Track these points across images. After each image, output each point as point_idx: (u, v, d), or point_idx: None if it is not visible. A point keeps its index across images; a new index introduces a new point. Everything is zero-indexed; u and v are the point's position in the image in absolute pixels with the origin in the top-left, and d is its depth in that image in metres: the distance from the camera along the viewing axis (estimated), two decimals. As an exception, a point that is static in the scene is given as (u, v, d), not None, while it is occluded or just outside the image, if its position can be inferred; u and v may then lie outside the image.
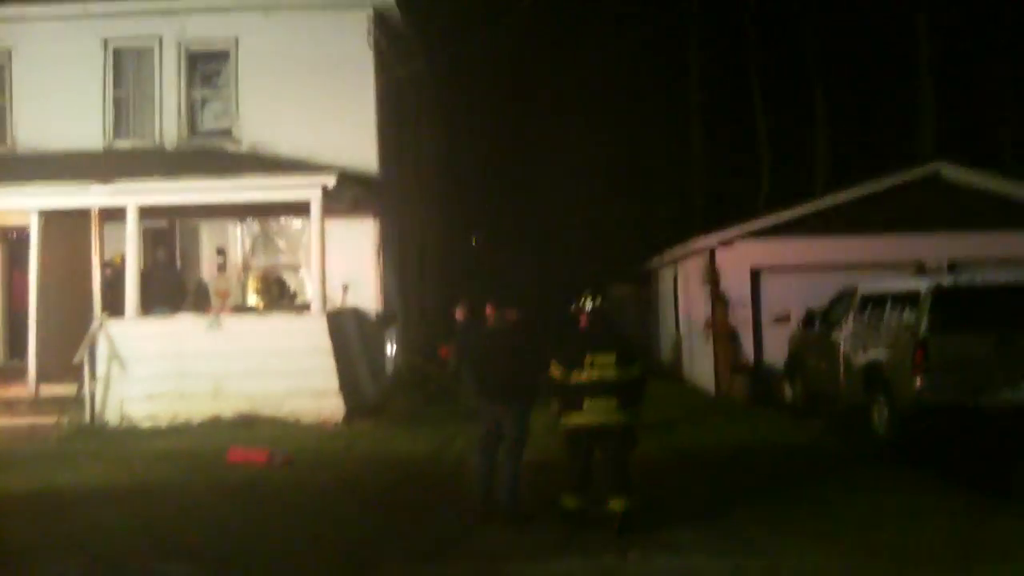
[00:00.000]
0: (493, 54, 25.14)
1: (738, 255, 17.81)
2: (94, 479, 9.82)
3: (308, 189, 13.98)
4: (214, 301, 16.01)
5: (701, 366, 19.08)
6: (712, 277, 17.91)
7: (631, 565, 7.34)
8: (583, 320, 8.77)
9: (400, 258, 18.85)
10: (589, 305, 8.72)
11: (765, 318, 17.70)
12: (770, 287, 17.87)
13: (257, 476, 10.04)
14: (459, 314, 15.01)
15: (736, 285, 17.78)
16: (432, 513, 8.87)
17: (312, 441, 12.25)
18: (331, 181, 13.87)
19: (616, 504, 8.26)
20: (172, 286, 14.97)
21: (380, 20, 16.60)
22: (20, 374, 14.15)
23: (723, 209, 25.43)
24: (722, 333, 17.75)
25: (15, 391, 13.89)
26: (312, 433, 12.81)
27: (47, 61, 16.36)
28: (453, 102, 25.31)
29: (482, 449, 8.69)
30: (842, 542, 7.64)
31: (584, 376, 8.33)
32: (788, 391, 15.98)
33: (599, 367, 8.33)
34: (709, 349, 18.19)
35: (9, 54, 16.46)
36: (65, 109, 16.27)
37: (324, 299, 14.10)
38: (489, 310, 9.61)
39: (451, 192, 28.42)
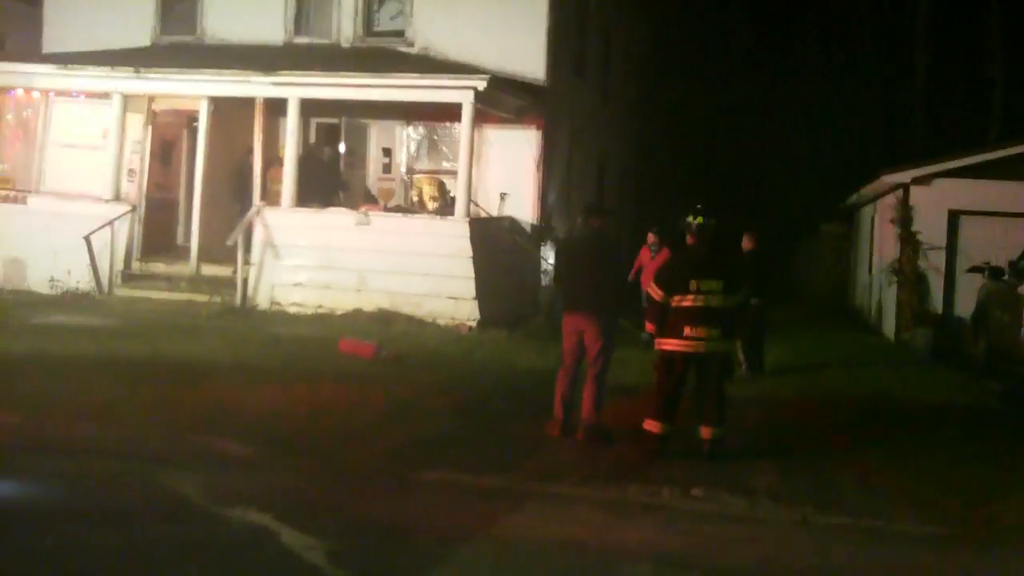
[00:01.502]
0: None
1: (935, 195, 16.16)
2: (203, 353, 10.20)
3: (459, 91, 13.74)
4: (378, 199, 16.22)
5: (886, 312, 17.62)
6: (903, 217, 16.34)
7: (689, 502, 6.76)
8: (690, 240, 8.04)
9: (572, 172, 18.36)
10: (695, 221, 7.96)
11: (959, 266, 16.03)
12: (970, 233, 16.17)
13: (359, 367, 10.10)
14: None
15: (930, 228, 16.17)
16: (516, 424, 8.60)
17: (436, 342, 12.23)
18: (481, 84, 13.56)
19: (707, 432, 7.79)
20: (331, 181, 15.22)
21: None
22: (189, 254, 14.89)
23: (947, 147, 23.24)
24: (908, 278, 16.22)
25: (179, 268, 14.68)
26: (442, 335, 12.79)
27: (239, -47, 16.83)
28: (653, 13, 24.12)
29: (565, 363, 8.28)
30: (943, 512, 6.71)
31: (688, 301, 7.71)
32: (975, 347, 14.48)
33: (705, 293, 7.70)
34: (893, 295, 16.73)
35: (204, -56, 17.04)
36: (251, 3, 16.71)
37: (468, 204, 13.93)
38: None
39: (650, 111, 27.38)
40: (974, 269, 14.99)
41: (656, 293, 7.82)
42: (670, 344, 7.79)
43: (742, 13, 29.74)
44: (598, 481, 7.08)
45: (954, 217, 16.15)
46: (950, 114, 26.21)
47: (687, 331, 7.67)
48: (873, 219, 20.54)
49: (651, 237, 13.96)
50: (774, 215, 32.20)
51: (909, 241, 16.20)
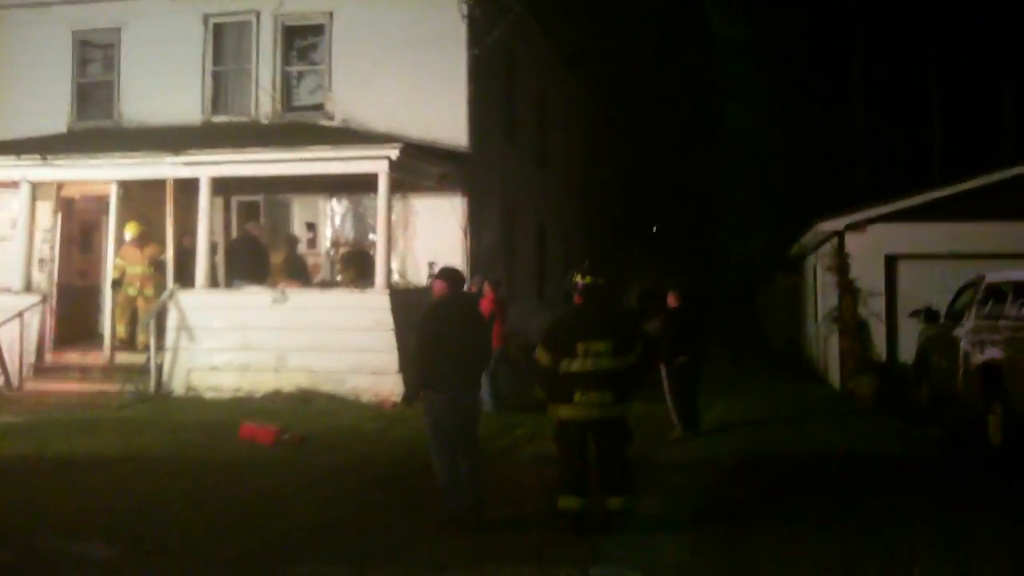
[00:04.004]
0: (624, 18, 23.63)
1: (870, 240, 15.98)
2: (93, 448, 9.64)
3: (373, 161, 13.43)
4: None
5: (831, 362, 17.29)
6: (839, 264, 16.14)
7: (584, 582, 6.25)
8: (576, 299, 7.62)
9: (508, 237, 18.08)
10: (582, 280, 7.55)
11: (901, 311, 15.76)
12: (908, 277, 16.00)
13: (257, 453, 9.55)
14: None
15: (868, 274, 15.98)
16: (412, 511, 7.96)
17: (354, 420, 11.72)
18: (395, 153, 13.27)
19: (614, 503, 7.24)
20: (257, 260, 14.76)
21: (475, -10, 15.76)
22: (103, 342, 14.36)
23: (891, 190, 23.23)
24: (848, 326, 15.94)
25: (93, 357, 14.12)
26: (361, 413, 12.29)
27: (152, 38, 16.58)
28: (581, 75, 24.07)
29: (440, 449, 7.37)
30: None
31: (575, 366, 7.22)
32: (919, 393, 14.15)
33: (592, 356, 7.21)
34: (836, 343, 16.42)
35: (119, 32, 16.82)
36: (167, 84, 16.45)
37: (388, 275, 13.54)
38: (438, 286, 7.54)
39: (596, 171, 27.26)
40: (916, 313, 14.73)
41: (543, 358, 7.32)
42: (562, 411, 7.30)
43: (688, 66, 29.91)
44: (491, 566, 6.56)
45: (891, 262, 15.96)
46: (892, 157, 26.31)
47: (576, 396, 7.18)
48: (815, 268, 20.35)
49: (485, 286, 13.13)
50: (732, 267, 32.12)
51: (847, 288, 15.97)
